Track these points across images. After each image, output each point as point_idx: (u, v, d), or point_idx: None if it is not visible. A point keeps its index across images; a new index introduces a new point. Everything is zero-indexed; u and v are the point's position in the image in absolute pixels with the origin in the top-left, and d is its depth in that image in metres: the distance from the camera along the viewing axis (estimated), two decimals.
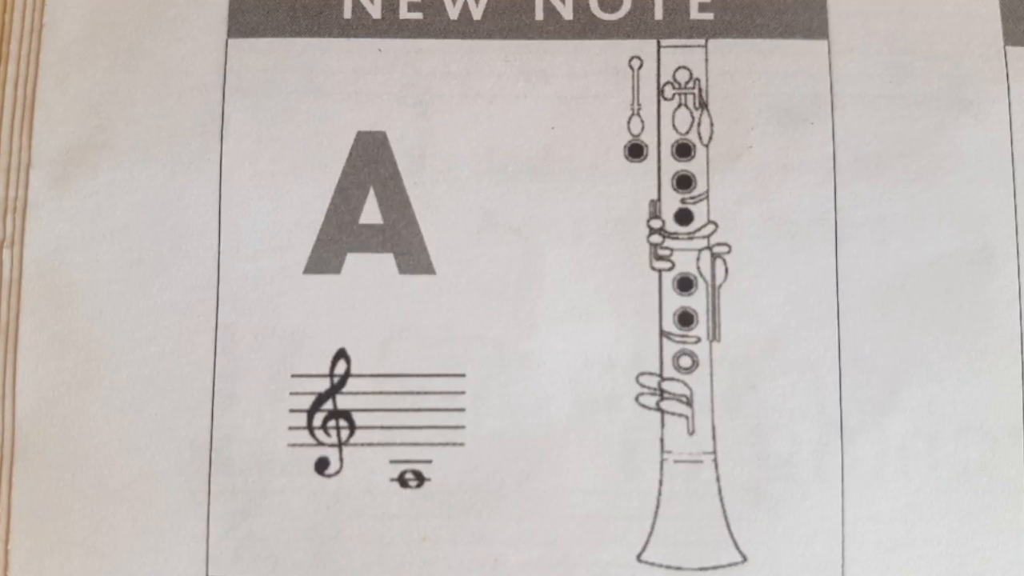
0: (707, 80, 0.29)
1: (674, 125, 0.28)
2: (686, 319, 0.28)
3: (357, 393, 0.27)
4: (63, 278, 0.28)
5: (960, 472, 0.27)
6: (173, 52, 0.29)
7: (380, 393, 0.27)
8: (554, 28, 0.29)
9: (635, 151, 0.28)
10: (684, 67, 0.29)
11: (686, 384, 0.27)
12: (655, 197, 0.28)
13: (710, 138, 0.28)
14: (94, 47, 0.29)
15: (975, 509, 0.27)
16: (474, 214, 0.28)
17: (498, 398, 0.27)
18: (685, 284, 0.28)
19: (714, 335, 0.28)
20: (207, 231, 0.28)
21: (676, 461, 0.27)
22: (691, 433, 0.27)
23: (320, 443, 0.27)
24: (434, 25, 0.29)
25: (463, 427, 0.27)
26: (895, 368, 0.27)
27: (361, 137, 0.28)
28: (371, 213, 0.28)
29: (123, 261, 0.28)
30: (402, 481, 0.27)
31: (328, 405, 0.27)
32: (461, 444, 0.27)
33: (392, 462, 0.27)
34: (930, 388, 0.27)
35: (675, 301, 0.28)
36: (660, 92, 0.29)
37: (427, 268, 0.28)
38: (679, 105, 0.29)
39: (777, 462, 0.27)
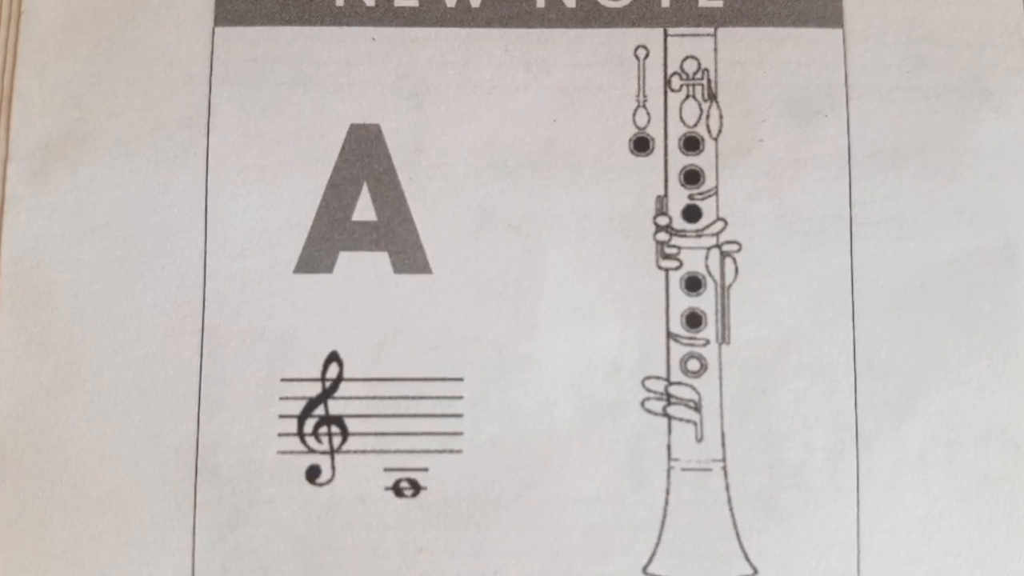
0: (716, 70, 0.27)
1: (682, 118, 0.27)
2: (694, 320, 0.27)
3: (350, 398, 0.26)
4: (42, 277, 0.26)
5: (981, 480, 0.26)
6: (157, 41, 0.27)
7: (374, 398, 0.26)
8: (556, 16, 0.28)
9: (641, 145, 0.27)
10: (692, 57, 0.27)
11: (694, 388, 0.26)
12: (662, 193, 0.27)
13: (719, 131, 0.27)
14: (74, 36, 0.27)
15: (997, 519, 0.26)
16: (472, 211, 0.27)
17: (497, 403, 0.26)
18: (693, 284, 0.27)
19: (723, 337, 0.26)
20: (193, 228, 0.27)
21: (684, 469, 0.26)
22: (699, 440, 0.26)
23: (311, 450, 0.26)
24: (430, 13, 0.28)
25: (461, 433, 0.26)
26: (913, 372, 0.26)
27: (354, 130, 0.27)
28: (365, 209, 0.27)
29: (105, 260, 0.27)
30: (397, 490, 0.26)
31: (320, 410, 0.26)
32: (459, 451, 0.26)
33: (386, 470, 0.26)
34: (950, 393, 0.26)
35: (683, 302, 0.27)
36: (667, 83, 0.27)
37: (423, 267, 0.27)
38: (687, 96, 0.27)
39: (789, 470, 0.26)
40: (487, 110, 0.27)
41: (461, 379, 0.26)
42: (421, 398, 0.26)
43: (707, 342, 0.26)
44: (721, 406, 0.26)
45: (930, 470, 0.26)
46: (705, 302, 0.27)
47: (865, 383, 0.26)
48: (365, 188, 0.27)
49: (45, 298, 0.26)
